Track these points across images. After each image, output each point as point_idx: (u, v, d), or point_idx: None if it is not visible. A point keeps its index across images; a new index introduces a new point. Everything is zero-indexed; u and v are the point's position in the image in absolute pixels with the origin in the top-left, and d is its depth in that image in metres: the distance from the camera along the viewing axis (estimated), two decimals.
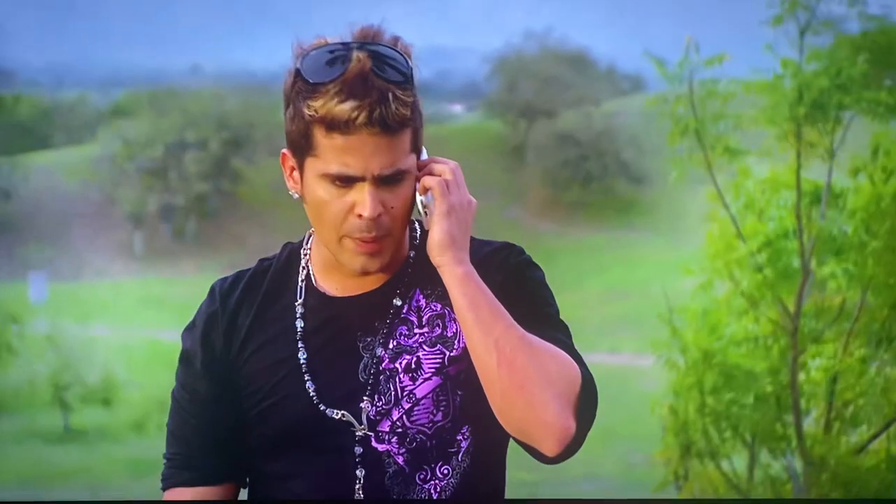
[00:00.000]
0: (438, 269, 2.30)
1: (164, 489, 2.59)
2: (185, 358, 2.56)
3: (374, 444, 2.42)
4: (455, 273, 2.28)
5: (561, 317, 2.52)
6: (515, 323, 2.28)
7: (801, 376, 10.38)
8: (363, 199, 2.30)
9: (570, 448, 2.32)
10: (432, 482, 2.43)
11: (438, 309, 2.44)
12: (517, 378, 2.25)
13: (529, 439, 2.29)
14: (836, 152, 10.47)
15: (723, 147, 10.49)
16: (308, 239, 2.54)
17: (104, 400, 28.59)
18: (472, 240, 2.45)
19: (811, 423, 10.39)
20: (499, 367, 2.26)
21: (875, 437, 10.26)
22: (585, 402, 2.33)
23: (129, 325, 39.12)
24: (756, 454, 10.72)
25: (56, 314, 35.86)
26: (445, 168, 2.36)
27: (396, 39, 2.35)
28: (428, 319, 2.46)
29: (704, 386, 10.16)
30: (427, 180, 2.34)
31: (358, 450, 2.42)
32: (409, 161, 2.35)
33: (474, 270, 2.30)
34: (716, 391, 10.19)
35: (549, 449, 2.29)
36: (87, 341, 32.12)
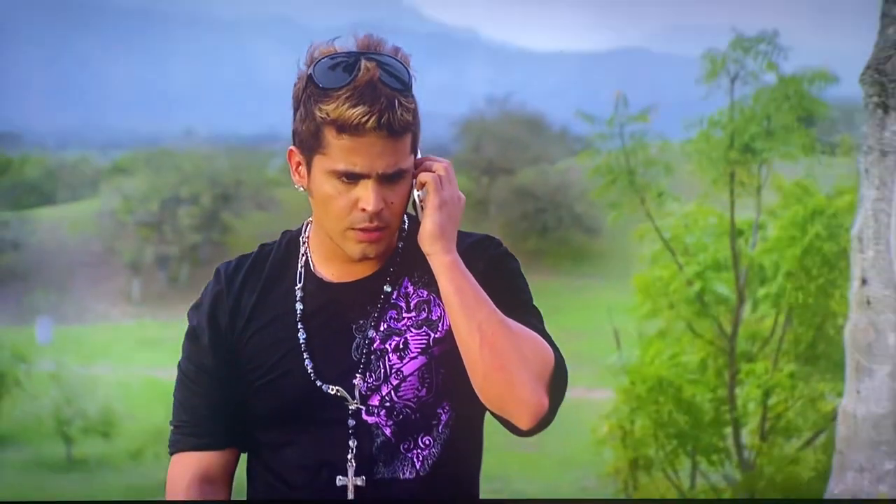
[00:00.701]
0: (428, 257, 2.33)
1: (171, 454, 2.58)
2: (193, 334, 2.56)
3: (364, 416, 2.43)
4: (444, 261, 2.31)
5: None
6: (497, 309, 2.31)
7: (738, 392, 10.47)
8: (367, 195, 2.33)
9: (543, 422, 2.37)
10: (415, 451, 2.44)
11: (425, 295, 2.45)
12: (497, 359, 2.29)
13: (507, 414, 2.34)
14: (763, 190, 10.58)
15: (656, 192, 10.57)
16: (306, 228, 2.54)
17: (104, 432, 28.54)
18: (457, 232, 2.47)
19: (747, 435, 10.45)
20: (481, 348, 2.29)
21: (807, 444, 10.37)
22: (557, 381, 2.38)
23: (127, 364, 38.95)
24: (697, 464, 10.77)
25: (60, 354, 35.60)
26: (440, 166, 2.39)
27: (397, 50, 2.38)
28: (415, 304, 2.46)
29: (649, 404, 10.20)
30: (423, 176, 2.36)
31: (351, 422, 2.42)
32: (409, 161, 2.37)
33: (461, 260, 2.33)
34: (659, 409, 10.22)
35: (525, 423, 2.34)
36: (89, 379, 31.95)
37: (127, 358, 40.46)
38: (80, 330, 47.90)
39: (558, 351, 2.44)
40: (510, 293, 2.45)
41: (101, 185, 60.68)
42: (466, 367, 2.33)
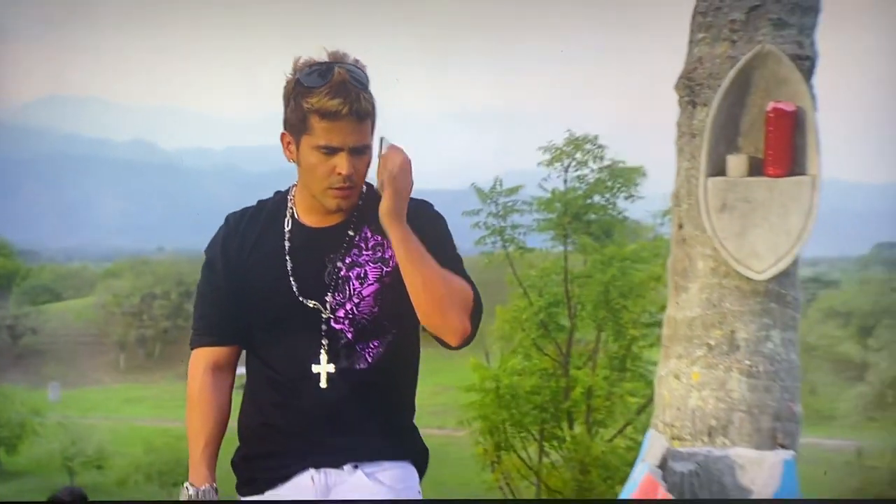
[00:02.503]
0: (385, 227, 2.33)
1: (191, 349, 2.55)
2: (209, 263, 2.54)
3: (333, 324, 2.41)
4: (397, 233, 2.32)
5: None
6: (434, 263, 2.33)
7: (571, 393, 10.48)
8: (342, 163, 2.34)
9: (466, 340, 2.37)
10: (367, 350, 2.43)
11: (379, 240, 2.43)
12: (436, 299, 2.34)
13: (441, 335, 2.36)
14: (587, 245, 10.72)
15: (516, 246, 10.65)
16: (291, 190, 2.52)
17: (98, 466, 28.14)
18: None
19: (580, 425, 10.45)
20: (424, 292, 2.34)
21: (619, 432, 10.38)
22: (476, 311, 2.39)
23: (116, 416, 38.03)
24: (542, 447, 10.73)
25: (66, 409, 35.14)
26: (400, 160, 2.38)
27: (357, 61, 2.39)
28: (372, 246, 2.44)
29: (508, 403, 10.17)
30: (388, 164, 2.35)
31: (323, 327, 2.40)
32: (370, 139, 2.38)
33: (409, 228, 2.34)
34: (515, 406, 10.19)
35: (454, 342, 2.38)
36: (87, 427, 31.20)
37: (116, 411, 40.09)
38: (81, 391, 46.69)
39: (476, 289, 2.44)
40: (441, 246, 2.44)
41: (97, 286, 60.03)
42: (413, 302, 2.36)
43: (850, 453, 22.73)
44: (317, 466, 2.42)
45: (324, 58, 2.40)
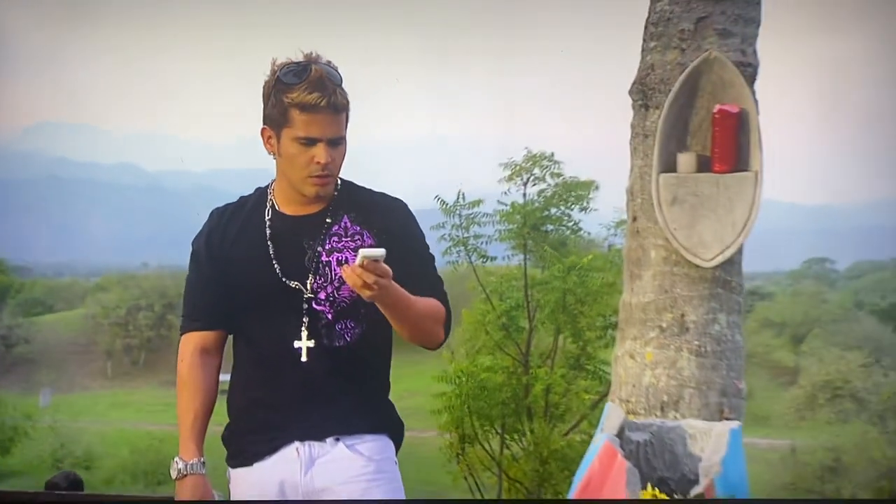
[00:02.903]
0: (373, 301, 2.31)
1: (181, 335, 2.57)
2: (195, 254, 2.53)
3: (314, 305, 2.40)
4: (381, 305, 2.29)
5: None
6: (414, 301, 2.35)
7: (531, 390, 10.46)
8: (321, 153, 2.34)
9: (441, 345, 2.49)
10: (346, 330, 2.43)
11: (358, 230, 2.44)
12: (416, 331, 2.39)
13: (420, 345, 2.46)
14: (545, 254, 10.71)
15: (479, 255, 10.64)
16: (271, 184, 2.52)
17: (86, 466, 27.45)
18: (363, 189, 2.53)
19: (539, 420, 10.42)
20: (407, 331, 2.37)
21: (574, 426, 10.36)
22: (447, 321, 2.47)
23: (103, 420, 37.79)
24: (504, 440, 10.69)
25: (56, 413, 34.44)
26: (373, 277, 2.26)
27: (330, 61, 2.41)
28: (351, 234, 2.44)
29: (471, 399, 10.13)
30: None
31: (304, 307, 2.40)
32: (344, 131, 2.40)
33: (391, 292, 2.27)
34: (478, 402, 10.15)
35: (432, 348, 2.51)
36: (76, 430, 31.16)
37: (103, 415, 39.81)
38: (71, 397, 46.16)
39: (445, 299, 2.49)
40: (416, 252, 2.48)
41: (86, 299, 59.67)
42: (396, 331, 2.41)
43: (785, 451, 22.84)
44: (301, 439, 2.42)
45: (300, 58, 2.40)
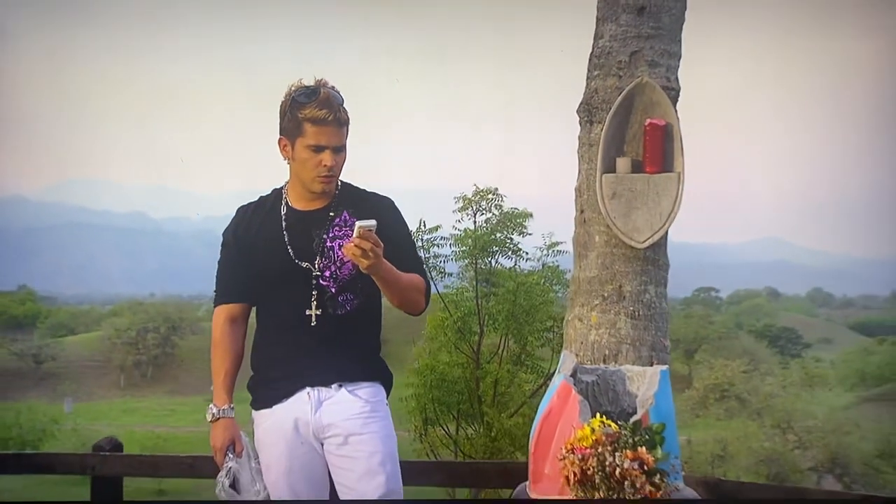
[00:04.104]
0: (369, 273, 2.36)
1: (214, 307, 2.61)
2: (225, 243, 2.61)
3: (320, 281, 2.48)
4: (376, 278, 2.38)
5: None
6: (402, 277, 2.44)
7: (481, 382, 10.44)
8: (328, 158, 2.44)
9: (423, 309, 2.58)
10: (346, 301, 2.50)
11: (355, 221, 2.44)
12: (404, 300, 2.48)
13: (407, 312, 2.54)
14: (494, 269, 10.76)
15: (438, 271, 10.65)
16: (284, 186, 2.58)
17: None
18: (358, 189, 2.60)
19: (488, 405, 10.39)
20: (396, 298, 2.46)
21: (516, 410, 10.33)
22: (427, 292, 2.56)
23: (117, 423, 37.12)
24: (459, 422, 10.64)
25: (77, 418, 34.31)
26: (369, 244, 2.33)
27: (334, 87, 2.48)
28: (349, 225, 2.50)
29: (432, 388, 10.09)
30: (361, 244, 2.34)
31: (313, 283, 2.47)
32: (345, 141, 2.48)
33: (383, 268, 2.35)
34: (438, 391, 10.12)
35: (415, 314, 2.57)
36: (94, 432, 30.65)
37: (117, 419, 39.33)
38: (90, 404, 45.60)
39: (426, 276, 2.59)
40: (404, 247, 2.54)
41: (102, 323, 58.93)
42: (388, 300, 2.48)
43: (682, 443, 23.04)
44: (311, 385, 2.50)
45: (311, 83, 2.48)
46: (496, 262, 10.59)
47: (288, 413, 2.49)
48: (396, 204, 2.63)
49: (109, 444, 4.69)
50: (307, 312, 2.49)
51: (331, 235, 2.51)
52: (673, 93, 3.13)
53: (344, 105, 2.47)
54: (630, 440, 2.51)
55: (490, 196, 10.65)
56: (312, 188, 2.50)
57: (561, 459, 2.56)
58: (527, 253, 10.82)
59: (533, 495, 2.78)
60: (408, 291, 2.49)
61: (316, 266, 2.49)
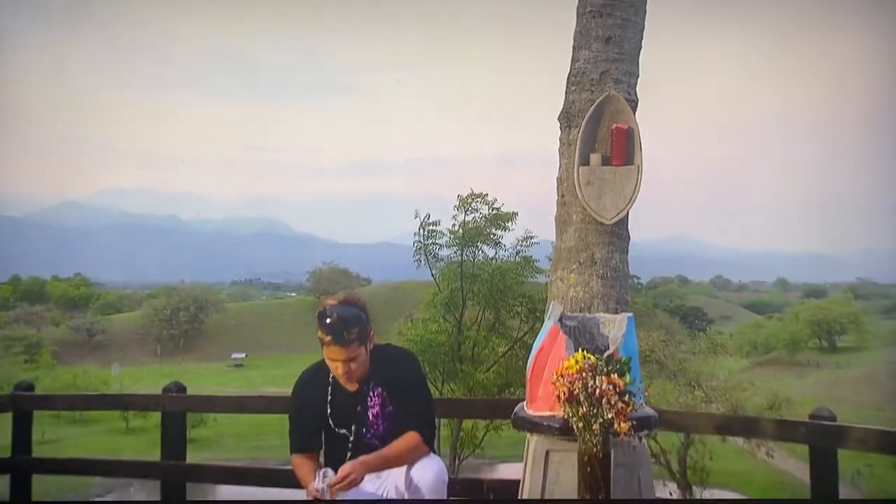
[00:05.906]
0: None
1: (291, 454, 2.65)
2: (292, 406, 2.67)
3: (356, 440, 2.59)
4: (374, 469, 2.50)
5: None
6: (391, 454, 2.51)
7: (462, 346, 10.45)
8: (339, 368, 2.54)
9: (427, 452, 2.57)
10: (374, 447, 2.57)
11: (380, 391, 2.59)
12: (402, 462, 2.52)
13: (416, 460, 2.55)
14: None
15: (433, 256, 10.67)
16: None
17: (144, 416, 27.42)
18: (385, 350, 2.65)
19: (467, 363, 10.42)
20: (401, 465, 2.52)
21: (490, 367, 10.38)
22: (430, 435, 2.59)
23: (154, 385, 36.97)
24: (443, 377, 10.67)
25: (123, 381, 33.53)
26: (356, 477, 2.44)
27: (358, 299, 2.60)
28: (377, 394, 2.59)
29: (423, 353, 10.10)
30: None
31: (349, 443, 2.59)
32: (355, 353, 2.52)
33: (373, 467, 2.47)
34: (428, 354, 10.13)
35: (424, 456, 2.56)
36: (137, 391, 30.82)
37: (154, 382, 39.05)
38: (133, 370, 45.08)
39: (423, 427, 2.57)
40: (418, 395, 2.61)
41: (143, 304, 58.37)
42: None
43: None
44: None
45: (335, 301, 2.58)
46: (481, 252, 10.62)
47: None
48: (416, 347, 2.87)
49: (176, 386, 4.73)
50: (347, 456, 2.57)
51: (366, 406, 2.58)
52: (633, 103, 3.19)
53: (354, 323, 2.49)
54: (605, 369, 2.62)
55: (479, 200, 10.71)
56: (340, 381, 2.58)
57: (553, 383, 2.66)
58: (505, 246, 10.86)
59: (529, 411, 2.87)
60: (405, 457, 2.53)
61: (352, 431, 2.57)
